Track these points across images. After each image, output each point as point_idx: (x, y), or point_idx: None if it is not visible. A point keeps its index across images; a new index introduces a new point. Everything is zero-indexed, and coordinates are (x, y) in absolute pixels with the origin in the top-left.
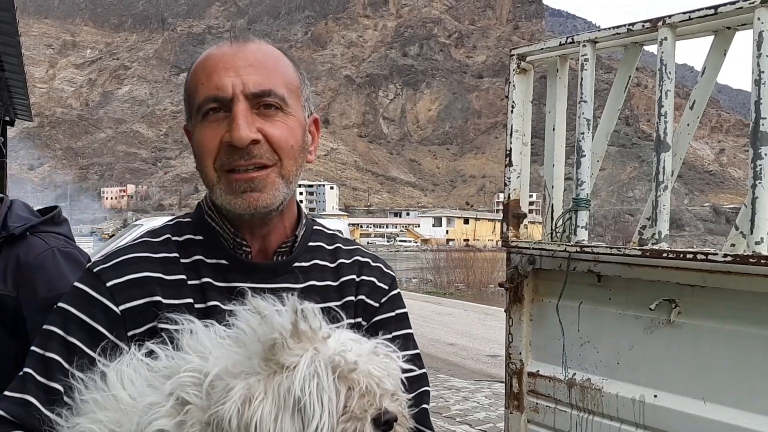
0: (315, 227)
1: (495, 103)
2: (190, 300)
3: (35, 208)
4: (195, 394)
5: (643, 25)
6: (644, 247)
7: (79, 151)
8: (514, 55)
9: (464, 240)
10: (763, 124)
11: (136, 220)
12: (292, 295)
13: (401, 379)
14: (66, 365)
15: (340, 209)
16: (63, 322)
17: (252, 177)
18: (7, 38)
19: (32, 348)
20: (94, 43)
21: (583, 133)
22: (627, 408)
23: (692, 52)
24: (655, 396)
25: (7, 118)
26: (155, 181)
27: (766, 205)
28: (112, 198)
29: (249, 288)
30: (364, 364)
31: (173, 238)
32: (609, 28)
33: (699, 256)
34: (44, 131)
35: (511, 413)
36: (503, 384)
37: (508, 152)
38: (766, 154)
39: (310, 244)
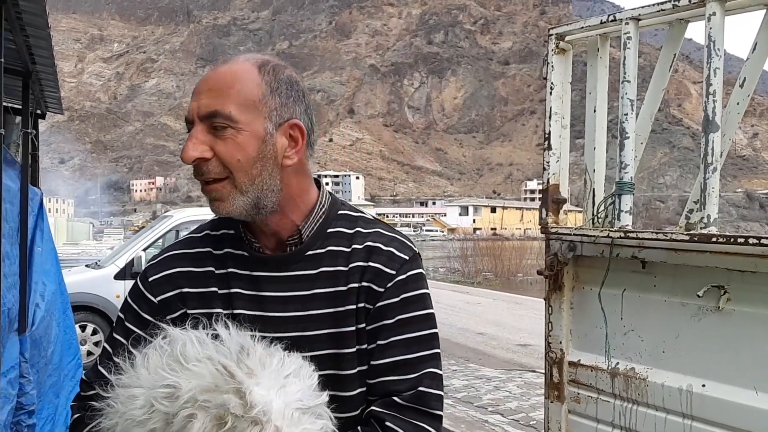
0: (340, 212)
1: (522, 90)
2: (215, 288)
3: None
4: (165, 406)
5: (690, 0)
6: (692, 232)
7: (108, 144)
8: (552, 35)
9: (491, 229)
10: None
11: (165, 212)
12: (309, 283)
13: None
14: (125, 343)
15: (366, 199)
16: (124, 309)
17: (209, 189)
18: (38, 31)
19: (111, 328)
20: (121, 37)
21: (626, 114)
22: (674, 398)
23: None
24: (704, 385)
25: (39, 111)
26: (183, 173)
27: None
28: (141, 190)
29: (266, 276)
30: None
31: (211, 233)
32: (653, 5)
33: (751, 240)
34: (74, 125)
35: (551, 403)
36: (534, 373)
37: (547, 135)
38: None
39: (330, 230)
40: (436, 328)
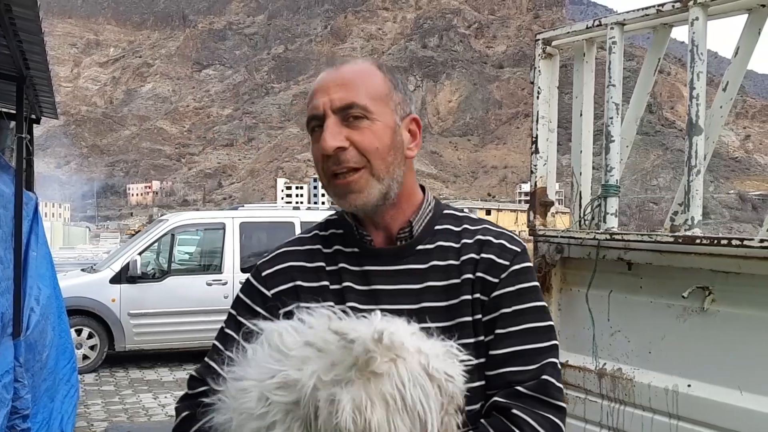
0: (446, 211)
1: (516, 93)
2: (326, 282)
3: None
4: (285, 396)
5: (673, 5)
6: (677, 234)
7: (104, 148)
8: (539, 39)
9: None
10: None
11: (161, 215)
12: (419, 277)
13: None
14: (237, 338)
15: None
16: (236, 305)
17: (348, 181)
18: (32, 36)
19: (222, 325)
20: (117, 42)
21: (611, 118)
22: (660, 398)
23: (715, 36)
24: (689, 385)
25: (33, 116)
26: (179, 177)
27: None
28: (137, 194)
29: (377, 270)
30: (445, 367)
31: (320, 233)
32: (637, 10)
33: (734, 242)
34: (70, 129)
35: None
36: None
37: (534, 139)
38: None
39: (437, 227)
40: (551, 320)
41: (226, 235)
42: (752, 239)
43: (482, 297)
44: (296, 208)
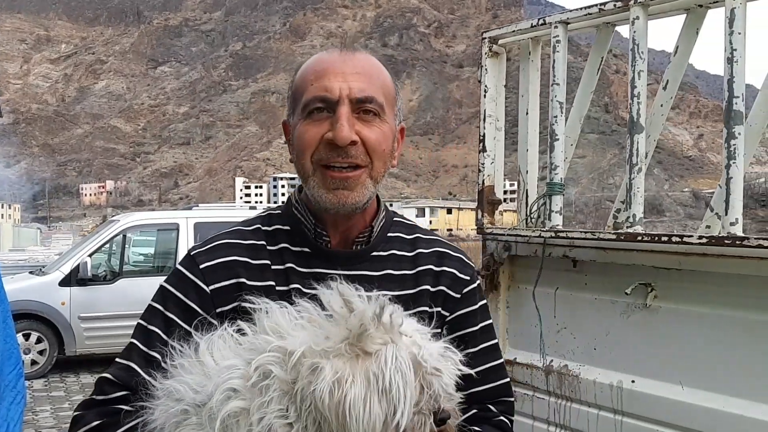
0: (395, 218)
1: (476, 93)
2: (272, 282)
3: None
4: (280, 368)
5: (614, 5)
6: (619, 231)
7: (56, 147)
8: (485, 38)
9: (447, 230)
10: (736, 103)
11: (114, 216)
12: (372, 284)
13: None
14: (164, 336)
15: None
16: (163, 298)
17: (346, 176)
18: None
19: (139, 321)
20: (68, 38)
21: (556, 117)
22: (605, 394)
23: (672, 38)
24: (633, 381)
25: None
26: (134, 177)
27: (741, 185)
28: (90, 194)
29: (328, 273)
30: (437, 366)
31: (263, 228)
32: (581, 9)
33: (674, 239)
34: (20, 128)
35: None
36: None
37: (481, 138)
38: (739, 133)
39: (390, 234)
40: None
41: (180, 235)
42: (691, 235)
43: (443, 311)
44: (253, 208)
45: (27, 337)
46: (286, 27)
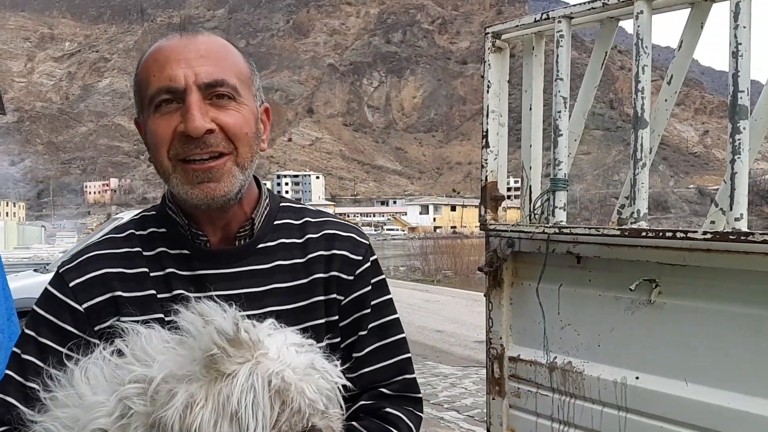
0: (282, 204)
1: (480, 89)
2: (153, 291)
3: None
4: (141, 403)
5: None
6: (623, 227)
7: (60, 145)
8: (488, 33)
9: (451, 227)
10: (740, 98)
11: (117, 213)
12: (262, 278)
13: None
14: (41, 364)
15: (326, 199)
16: (34, 324)
17: (209, 167)
18: None
19: (13, 349)
20: (72, 36)
21: (559, 112)
22: (609, 391)
23: (677, 33)
24: (637, 378)
25: None
26: (138, 174)
27: (746, 181)
28: (95, 192)
29: (214, 274)
30: (298, 382)
31: (137, 233)
32: (584, 3)
33: (678, 234)
34: (24, 126)
35: (493, 399)
36: None
37: (484, 134)
38: (744, 128)
39: (277, 222)
40: (397, 312)
41: None
42: (696, 231)
43: (338, 296)
44: None
45: None
46: (289, 24)
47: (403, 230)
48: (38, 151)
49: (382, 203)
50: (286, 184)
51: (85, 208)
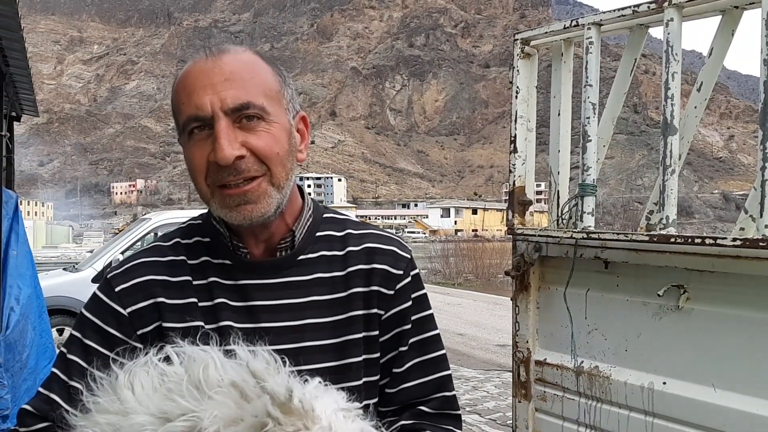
0: (325, 215)
1: (502, 93)
2: (194, 299)
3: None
4: None
5: (648, 6)
6: (652, 233)
7: (88, 146)
8: (518, 39)
9: (473, 230)
10: None
11: (144, 214)
12: (301, 290)
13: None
14: (85, 365)
15: (348, 201)
16: (81, 326)
17: (244, 191)
18: (10, 33)
19: (60, 349)
20: (101, 39)
21: (588, 118)
22: (636, 395)
23: (701, 38)
24: (664, 383)
25: (14, 114)
26: (164, 176)
27: None
28: (121, 193)
29: (255, 284)
30: None
31: (182, 242)
32: (614, 10)
33: (707, 241)
34: (53, 127)
35: (519, 402)
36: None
37: (513, 138)
38: None
39: (319, 234)
40: (437, 329)
41: None
42: (725, 238)
43: (379, 311)
44: None
45: (60, 332)
46: (313, 28)
47: (424, 233)
48: (66, 152)
49: (404, 206)
50: (309, 186)
51: (112, 209)
